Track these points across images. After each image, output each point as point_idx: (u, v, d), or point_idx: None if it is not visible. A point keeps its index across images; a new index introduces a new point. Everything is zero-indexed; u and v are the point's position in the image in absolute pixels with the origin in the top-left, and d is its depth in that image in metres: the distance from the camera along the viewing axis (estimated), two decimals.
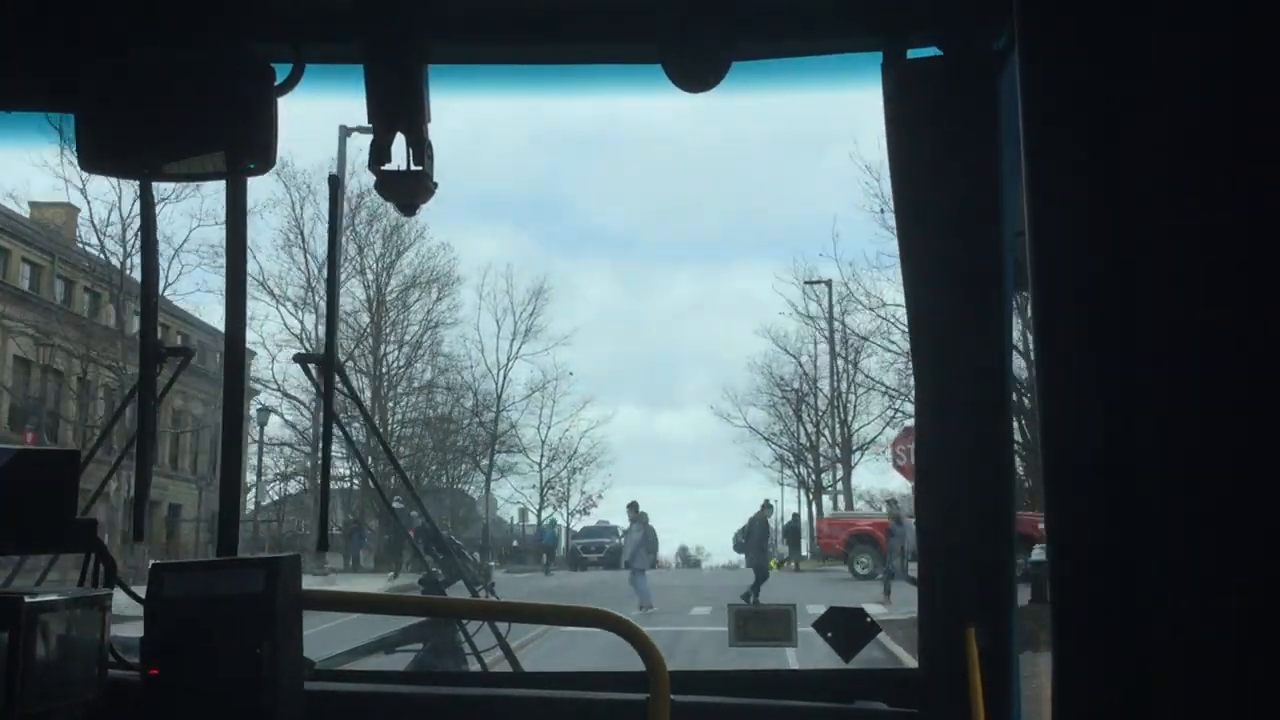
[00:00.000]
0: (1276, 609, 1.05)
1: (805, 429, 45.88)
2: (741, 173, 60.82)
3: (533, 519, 45.72)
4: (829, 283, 41.58)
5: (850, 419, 44.07)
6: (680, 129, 59.91)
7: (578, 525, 46.92)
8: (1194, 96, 1.13)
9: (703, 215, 59.61)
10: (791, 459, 46.83)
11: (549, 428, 45.63)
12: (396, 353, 42.09)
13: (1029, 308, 1.26)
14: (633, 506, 23.48)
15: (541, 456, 45.50)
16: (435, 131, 2.66)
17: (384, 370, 40.96)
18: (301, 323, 38.49)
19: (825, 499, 45.36)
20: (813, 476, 46.33)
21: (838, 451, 44.17)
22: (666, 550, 59.79)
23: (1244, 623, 1.07)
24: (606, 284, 60.98)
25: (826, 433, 45.13)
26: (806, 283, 42.10)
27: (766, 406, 45.94)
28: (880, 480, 52.63)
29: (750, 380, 49.28)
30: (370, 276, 40.67)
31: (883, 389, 38.65)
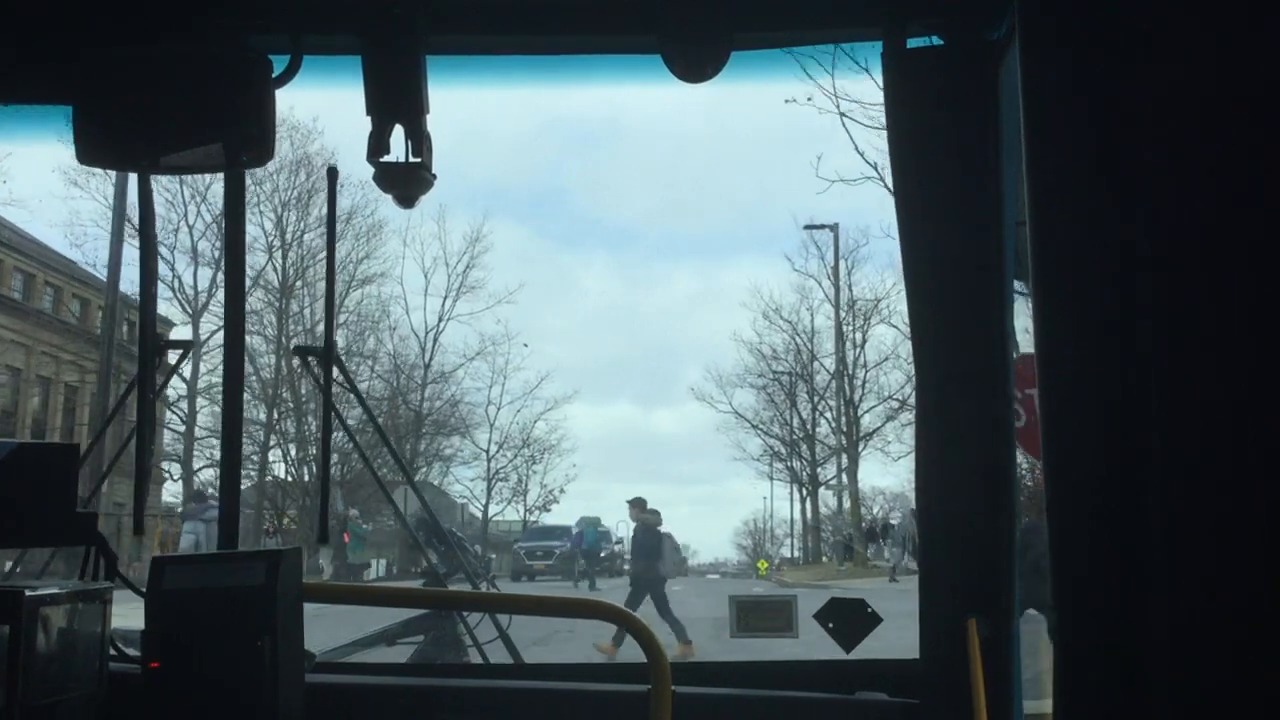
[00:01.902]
0: (1276, 602, 1.05)
1: (800, 413, 39.57)
2: (745, 165, 60.63)
3: (476, 514, 38.41)
4: (834, 227, 35.93)
5: (859, 398, 37.15)
6: (682, 120, 59.79)
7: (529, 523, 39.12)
8: (1193, 85, 1.13)
9: (704, 209, 59.43)
10: (784, 450, 40.58)
11: (499, 409, 38.29)
12: (309, 309, 33.58)
13: (1030, 298, 1.25)
14: (197, 496, 16.83)
15: (490, 442, 38.28)
16: (434, 123, 2.66)
17: (293, 330, 33.18)
18: (174, 268, 31.38)
19: (826, 495, 39.58)
20: (807, 470, 40.07)
21: (842, 440, 37.47)
22: None
23: (1243, 614, 1.07)
24: (604, 278, 60.83)
25: (828, 416, 38.72)
26: (806, 227, 36.49)
27: (756, 388, 39.58)
28: (877, 476, 48.78)
29: (737, 359, 43.25)
30: (273, 216, 33.19)
31: (895, 362, 33.81)
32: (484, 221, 39.33)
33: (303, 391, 31.34)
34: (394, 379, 35.32)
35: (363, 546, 29.33)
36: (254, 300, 31.41)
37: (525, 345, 39.26)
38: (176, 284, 31.85)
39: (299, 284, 33.27)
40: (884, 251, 38.08)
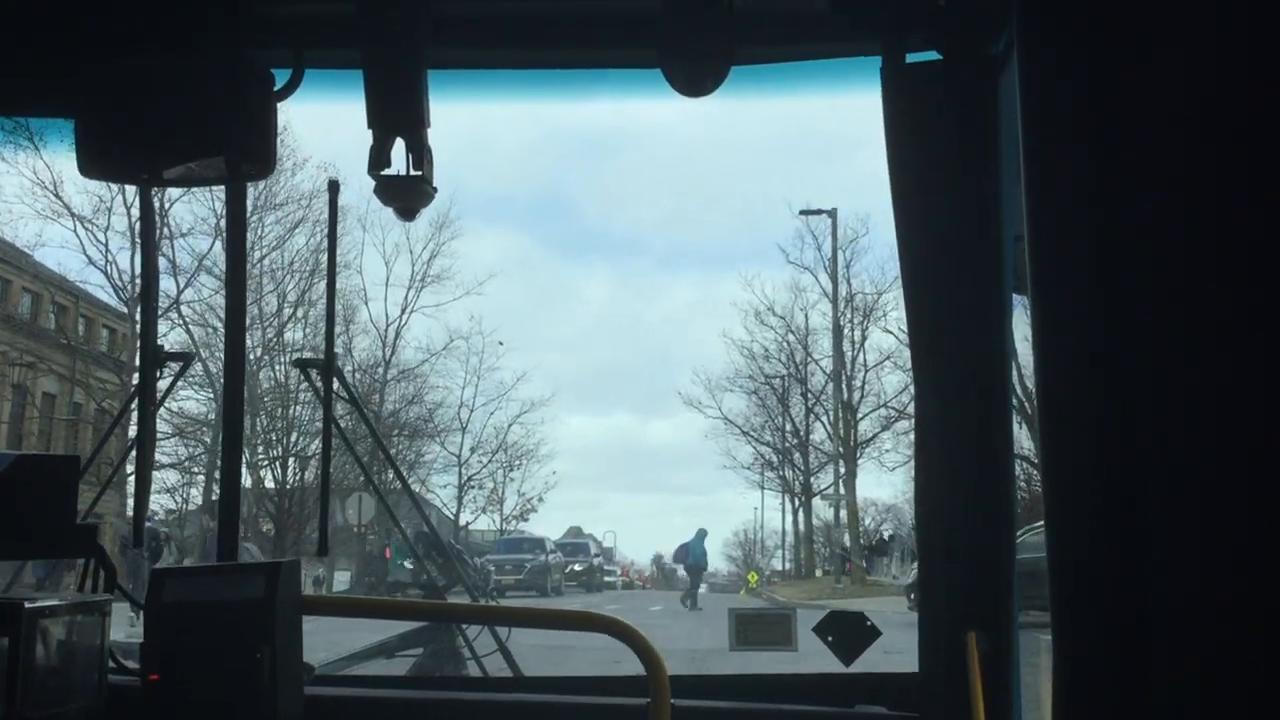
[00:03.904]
0: (1276, 601, 1.05)
1: (793, 419, 37.27)
2: (747, 178, 60.60)
3: (448, 516, 35.14)
4: (833, 212, 33.51)
5: (857, 402, 34.72)
6: (685, 133, 59.79)
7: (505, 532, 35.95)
8: (1193, 100, 1.13)
9: (706, 221, 59.38)
10: (776, 458, 38.25)
11: (471, 411, 35.85)
12: (265, 300, 30.45)
13: (1029, 312, 1.26)
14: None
15: (461, 446, 35.73)
16: (435, 136, 2.67)
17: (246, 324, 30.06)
18: (107, 250, 29.08)
19: (820, 505, 37.34)
20: (800, 479, 37.54)
21: (838, 446, 34.94)
22: (642, 559, 56.70)
23: (1243, 613, 1.07)
24: (607, 288, 60.74)
25: (824, 420, 36.32)
26: (802, 213, 34.13)
27: (747, 392, 37.30)
28: (871, 487, 46.58)
29: (727, 361, 40.06)
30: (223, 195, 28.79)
31: (896, 364, 31.31)
32: (450, 207, 34.02)
33: (261, 388, 29.90)
34: (361, 379, 32.27)
35: (403, 560, 26.57)
36: (203, 288, 29.80)
37: (500, 343, 36.43)
38: (111, 269, 30.16)
39: (255, 270, 30.04)
40: (884, 242, 36.91)
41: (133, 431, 3.35)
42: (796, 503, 38.73)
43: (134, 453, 3.16)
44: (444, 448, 35.44)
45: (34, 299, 32.72)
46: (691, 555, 29.25)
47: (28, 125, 3.08)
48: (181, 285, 29.79)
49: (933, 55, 2.65)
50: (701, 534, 29.85)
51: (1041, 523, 1.23)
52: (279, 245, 31.18)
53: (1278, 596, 1.05)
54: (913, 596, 18.78)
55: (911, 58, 2.65)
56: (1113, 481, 1.15)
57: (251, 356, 29.40)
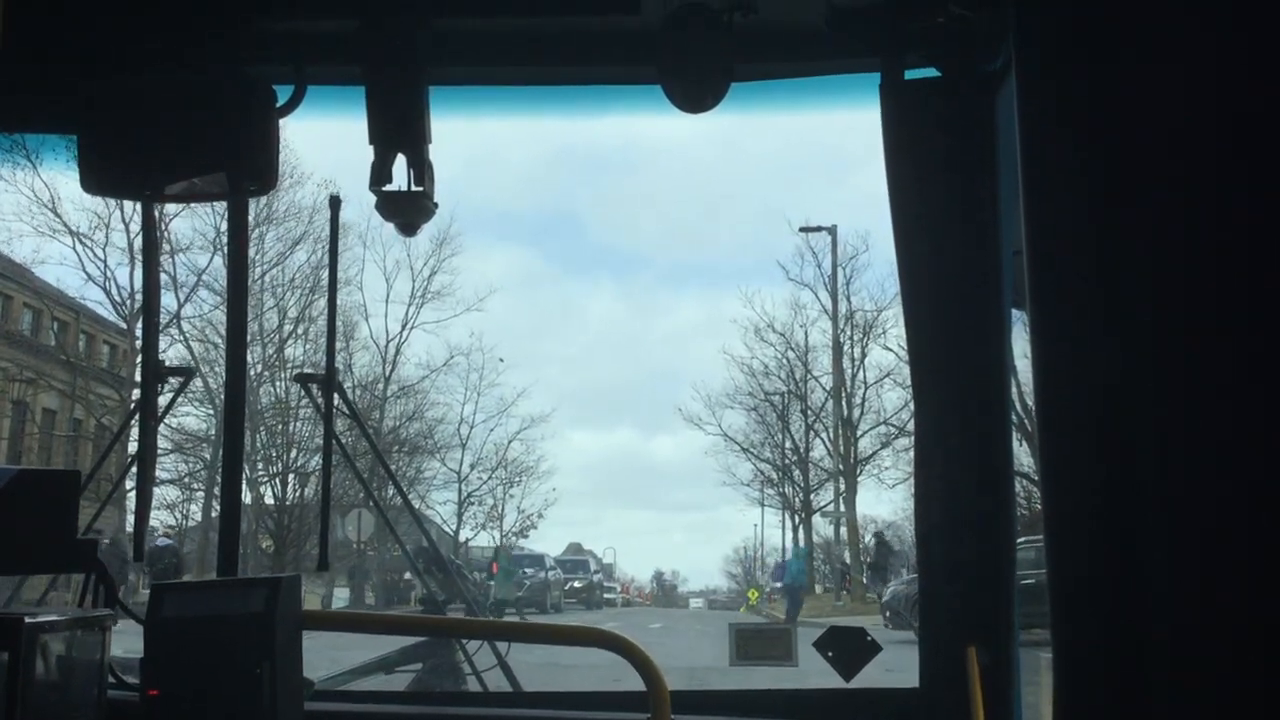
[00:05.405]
0: (1276, 602, 1.05)
1: (793, 436, 36.86)
2: (747, 194, 60.59)
3: (447, 531, 34.50)
4: (833, 229, 33.51)
5: (857, 419, 34.40)
6: (686, 149, 59.91)
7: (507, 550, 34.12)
8: (1191, 117, 1.14)
9: (707, 237, 59.42)
10: (775, 475, 37.88)
11: (471, 427, 35.54)
12: (265, 317, 30.34)
13: (1028, 328, 1.26)
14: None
15: (461, 463, 35.34)
16: (436, 151, 2.68)
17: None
18: (106, 266, 29.46)
19: (820, 522, 36.80)
20: (800, 495, 37.02)
21: (839, 464, 34.55)
22: (642, 575, 56.62)
23: (1243, 614, 1.07)
24: (611, 305, 60.71)
25: (824, 437, 35.95)
26: (802, 229, 34.01)
27: (747, 409, 36.95)
28: (870, 504, 46.10)
29: (727, 378, 39.86)
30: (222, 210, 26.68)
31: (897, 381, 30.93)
32: (451, 223, 33.80)
33: (261, 404, 29.90)
34: (361, 395, 31.83)
35: (509, 582, 25.59)
36: (203, 304, 30.08)
37: (501, 360, 35.81)
38: (111, 285, 30.48)
39: (256, 286, 29.32)
40: (885, 259, 36.76)
41: (133, 447, 3.35)
42: (796, 520, 38.44)
43: (134, 468, 3.16)
44: (444, 464, 35.39)
45: (35, 315, 32.77)
46: (789, 574, 27.99)
47: (25, 143, 3.09)
48: (181, 300, 30.03)
49: (931, 71, 2.67)
50: (800, 552, 28.71)
51: (1033, 536, 1.24)
52: (280, 262, 31.41)
53: (1278, 596, 1.05)
54: (888, 615, 18.47)
55: (910, 74, 2.67)
56: (1112, 486, 1.15)
57: (252, 372, 29.41)
